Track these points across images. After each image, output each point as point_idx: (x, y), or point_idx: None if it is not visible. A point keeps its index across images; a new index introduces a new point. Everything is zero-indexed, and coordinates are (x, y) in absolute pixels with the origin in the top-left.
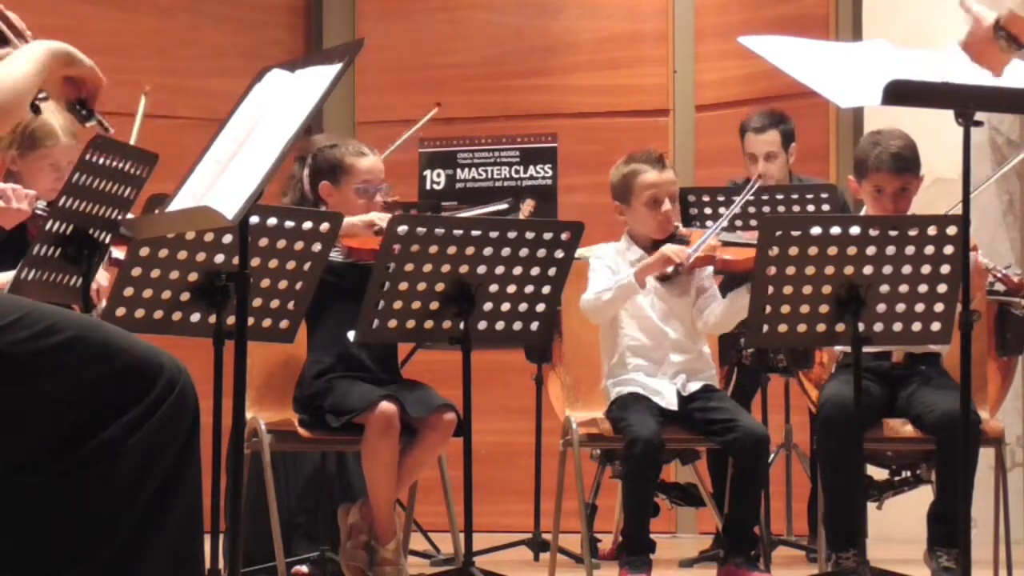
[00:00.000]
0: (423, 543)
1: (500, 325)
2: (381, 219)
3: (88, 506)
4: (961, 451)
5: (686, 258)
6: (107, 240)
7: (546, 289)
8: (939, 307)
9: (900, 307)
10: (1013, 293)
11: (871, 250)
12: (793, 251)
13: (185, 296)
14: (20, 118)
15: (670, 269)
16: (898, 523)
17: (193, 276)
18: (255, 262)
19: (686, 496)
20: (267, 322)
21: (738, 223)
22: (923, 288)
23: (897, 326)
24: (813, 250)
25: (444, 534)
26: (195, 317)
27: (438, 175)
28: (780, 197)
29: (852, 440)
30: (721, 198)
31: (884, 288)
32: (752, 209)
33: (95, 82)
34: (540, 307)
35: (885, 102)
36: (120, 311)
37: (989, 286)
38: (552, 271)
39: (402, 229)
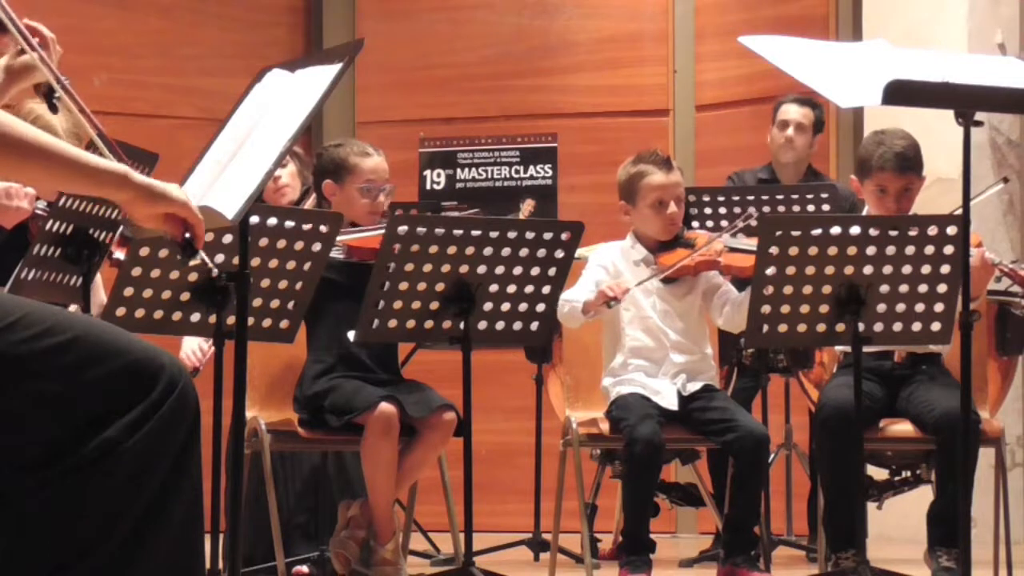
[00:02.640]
0: (423, 543)
1: (500, 325)
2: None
3: (88, 506)
4: (961, 451)
5: (622, 292)
6: (107, 240)
7: (546, 289)
8: (939, 307)
9: (900, 307)
10: (1021, 287)
11: (871, 250)
12: (793, 251)
13: (185, 296)
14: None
15: (604, 303)
16: (898, 523)
17: (193, 276)
18: (255, 262)
19: (686, 496)
20: (267, 322)
21: (739, 223)
22: (923, 288)
23: (897, 326)
24: (813, 250)
25: (444, 534)
26: (195, 317)
27: (438, 175)
28: (781, 197)
29: (852, 440)
30: (721, 198)
31: (884, 288)
32: (752, 210)
33: (194, 222)
34: (540, 307)
35: (885, 102)
36: (120, 311)
37: (995, 281)
38: (552, 271)
39: (402, 229)
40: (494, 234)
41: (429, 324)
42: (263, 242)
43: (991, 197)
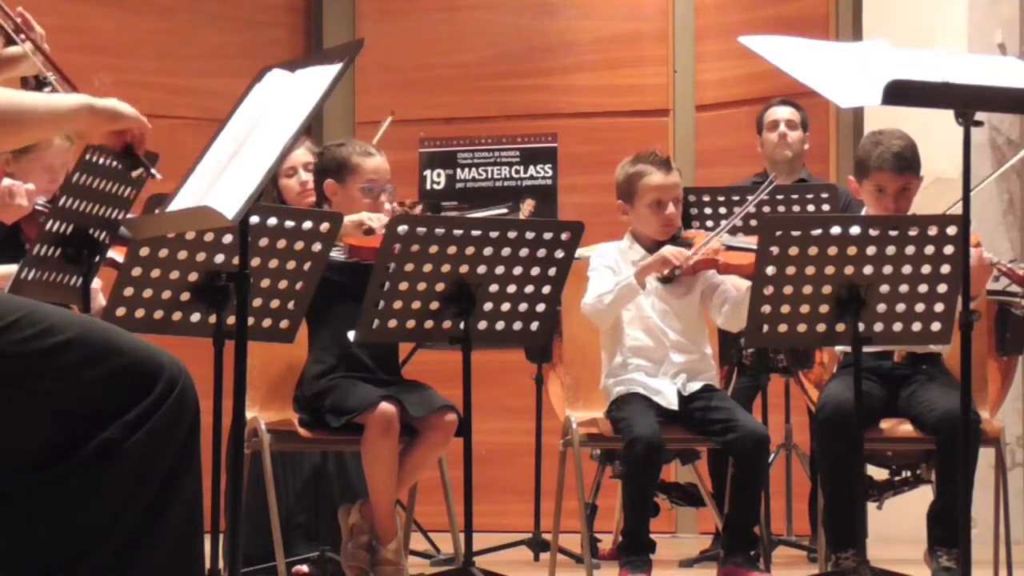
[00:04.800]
0: (423, 543)
1: (500, 325)
2: (371, 219)
3: (88, 506)
4: (961, 451)
5: (685, 260)
6: (107, 240)
7: (546, 289)
8: (939, 307)
9: (900, 307)
10: (1019, 286)
11: (871, 250)
12: (793, 251)
13: (185, 296)
14: (14, 145)
15: (667, 271)
16: (898, 523)
17: (193, 276)
18: (255, 262)
19: (686, 496)
20: (267, 322)
21: (738, 223)
22: (923, 288)
23: (897, 326)
24: (813, 250)
25: (444, 534)
26: (195, 317)
27: (438, 175)
28: (780, 197)
29: (851, 440)
30: (721, 198)
31: (884, 288)
32: (752, 209)
33: (140, 129)
34: (540, 307)
35: (885, 102)
36: (120, 311)
37: (993, 280)
38: (552, 271)
39: (402, 229)
40: (494, 234)
41: (429, 324)
42: (263, 242)
43: (992, 197)
